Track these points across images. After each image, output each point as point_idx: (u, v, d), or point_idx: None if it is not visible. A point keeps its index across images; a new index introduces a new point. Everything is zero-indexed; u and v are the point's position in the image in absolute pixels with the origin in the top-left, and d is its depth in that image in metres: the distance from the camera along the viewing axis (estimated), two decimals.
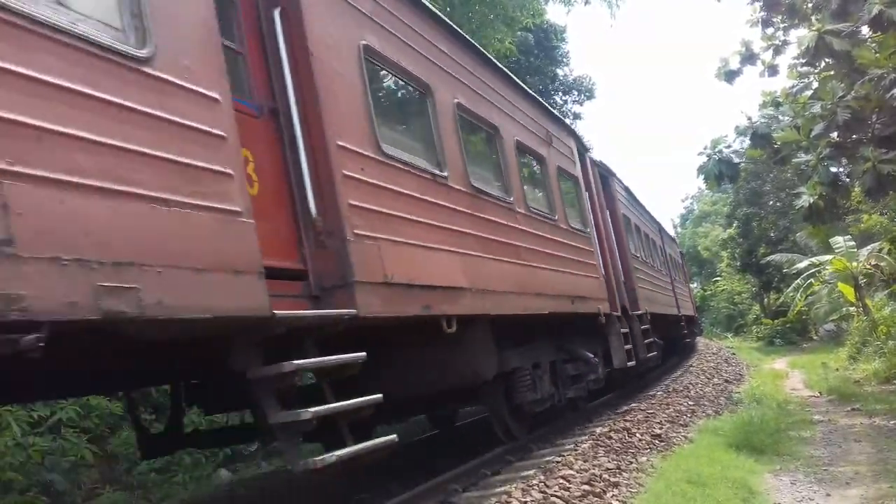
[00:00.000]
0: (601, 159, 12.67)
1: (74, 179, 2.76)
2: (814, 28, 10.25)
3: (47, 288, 2.56)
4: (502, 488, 6.07)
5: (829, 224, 17.71)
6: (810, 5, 11.92)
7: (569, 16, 35.97)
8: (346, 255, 4.34)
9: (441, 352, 5.98)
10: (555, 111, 10.18)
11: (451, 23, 6.82)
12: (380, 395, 4.24)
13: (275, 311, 3.60)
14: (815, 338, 31.74)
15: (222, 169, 3.52)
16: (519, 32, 19.02)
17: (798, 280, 24.30)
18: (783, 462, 7.16)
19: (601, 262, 10.19)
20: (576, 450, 7.36)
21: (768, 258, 30.38)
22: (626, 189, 14.60)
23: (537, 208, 8.16)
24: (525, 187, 7.93)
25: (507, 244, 6.93)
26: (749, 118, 14.82)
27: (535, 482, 5.98)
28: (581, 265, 9.12)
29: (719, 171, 13.46)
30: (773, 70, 13.09)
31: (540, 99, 9.55)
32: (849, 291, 20.00)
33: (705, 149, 13.83)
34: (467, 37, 7.27)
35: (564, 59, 31.00)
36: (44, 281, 2.55)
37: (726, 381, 15.13)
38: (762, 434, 7.94)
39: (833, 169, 11.33)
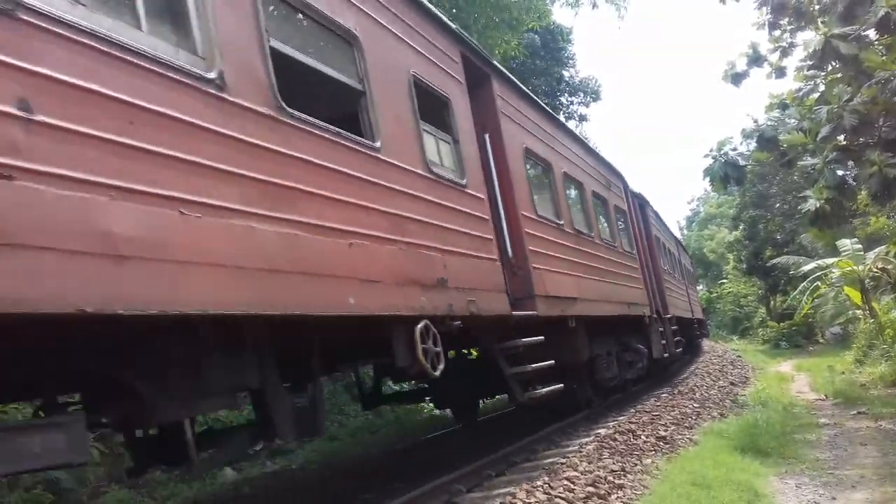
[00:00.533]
0: (640, 191, 15.62)
1: (463, 250, 5.94)
2: (820, 31, 10.22)
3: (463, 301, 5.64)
4: (506, 489, 6.09)
5: (836, 227, 17.66)
6: (817, 8, 11.89)
7: (575, 18, 35.74)
8: (529, 279, 7.24)
9: (567, 340, 8.50)
10: (610, 163, 12.98)
11: (559, 117, 10.71)
12: (552, 361, 7.27)
13: (513, 312, 6.52)
14: (821, 341, 31.66)
15: (488, 236, 6.59)
16: (525, 34, 19.01)
17: (804, 283, 24.23)
18: (789, 465, 7.14)
19: (643, 275, 12.94)
20: (580, 451, 7.37)
21: (774, 261, 30.30)
22: (656, 213, 17.86)
23: (606, 238, 11.00)
24: (598, 224, 10.81)
25: (593, 266, 9.75)
26: (755, 121, 14.83)
27: (539, 483, 5.98)
28: (632, 279, 11.91)
29: (725, 174, 13.41)
30: (780, 72, 13.06)
31: (601, 155, 12.73)
32: (855, 294, 19.93)
33: (711, 151, 13.78)
34: (565, 123, 11.15)
35: (570, 61, 30.98)
36: (461, 297, 5.62)
37: (732, 383, 15.11)
38: (767, 437, 7.93)
39: (839, 172, 11.30)
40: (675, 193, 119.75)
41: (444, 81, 6.43)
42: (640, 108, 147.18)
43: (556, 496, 5.67)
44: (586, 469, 6.53)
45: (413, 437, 11.15)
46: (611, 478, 6.37)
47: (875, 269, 19.69)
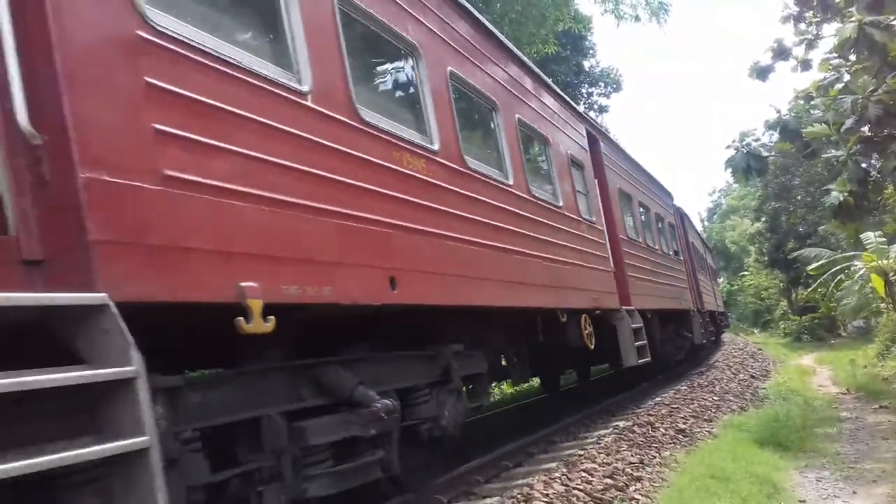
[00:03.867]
0: (681, 205, 19.10)
1: (595, 266, 8.63)
2: (854, 18, 10.07)
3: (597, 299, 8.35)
4: (524, 480, 6.11)
5: (859, 221, 17.43)
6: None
7: (617, 27, 35.14)
8: (626, 285, 9.79)
9: (648, 326, 10.36)
10: (664, 186, 16.52)
11: (636, 159, 13.54)
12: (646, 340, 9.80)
13: (622, 307, 9.11)
14: (843, 334, 31.28)
15: (606, 256, 9.24)
16: (542, 31, 18.97)
17: (825, 276, 23.92)
18: (809, 459, 7.10)
19: (687, 277, 16.09)
20: (598, 443, 7.38)
21: (796, 253, 29.97)
22: (690, 221, 21.37)
23: (665, 249, 14.20)
24: (661, 238, 14.00)
25: (664, 273, 13.11)
26: (778, 111, 14.65)
27: (557, 475, 6.00)
28: (680, 280, 15.00)
29: (747, 165, 13.28)
30: (805, 65, 12.90)
31: (658, 180, 15.63)
32: (880, 285, 19.65)
33: (733, 142, 13.67)
34: (639, 162, 13.70)
35: (591, 51, 30.78)
36: (596, 297, 8.34)
37: (752, 376, 15.01)
38: (788, 430, 7.88)
39: (863, 165, 11.15)
40: (695, 185, 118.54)
41: (581, 152, 9.33)
42: (661, 99, 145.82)
43: (573, 488, 5.69)
44: (604, 461, 6.53)
45: None
46: (629, 470, 6.37)
47: None
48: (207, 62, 3.18)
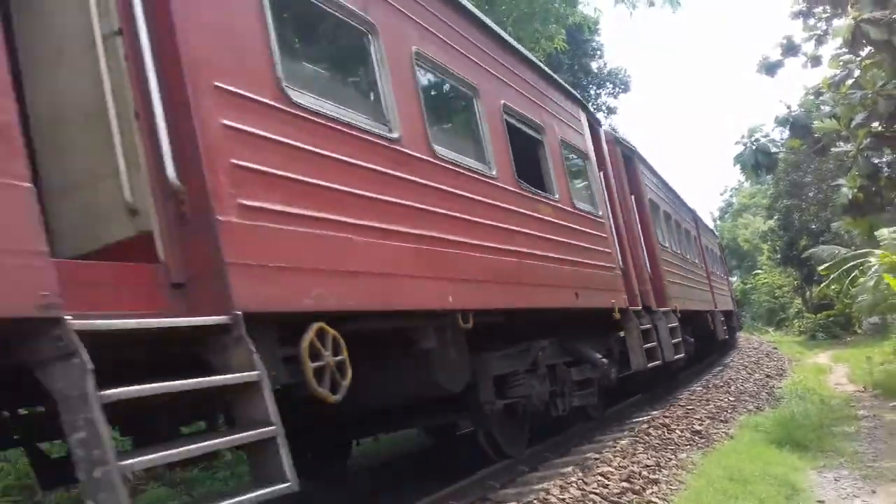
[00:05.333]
0: (694, 207, 20.30)
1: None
2: (850, 16, 10.03)
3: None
4: (540, 485, 6.08)
5: (870, 216, 17.32)
6: None
7: (630, 16, 34.46)
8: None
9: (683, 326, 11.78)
10: (680, 195, 17.50)
11: (663, 175, 14.89)
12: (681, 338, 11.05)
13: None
14: (859, 331, 30.97)
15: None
16: (552, 25, 18.87)
17: (837, 273, 23.72)
18: (827, 458, 7.03)
19: (706, 280, 18.06)
20: (614, 446, 7.33)
21: (809, 251, 29.75)
22: (706, 225, 22.66)
23: (692, 257, 16.24)
24: (684, 245, 15.63)
25: (690, 277, 14.71)
26: (788, 107, 14.61)
27: (573, 479, 5.97)
28: (702, 282, 16.77)
29: (756, 161, 13.33)
30: (815, 61, 12.90)
31: (677, 192, 16.94)
32: (894, 282, 19.45)
33: (742, 138, 13.66)
34: (666, 180, 15.06)
35: (598, 52, 30.75)
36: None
37: (767, 375, 14.90)
38: (805, 430, 7.80)
39: (874, 160, 11.09)
40: (711, 184, 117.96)
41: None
42: (671, 99, 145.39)
43: (590, 492, 5.66)
44: (620, 464, 6.49)
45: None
46: (645, 473, 6.33)
47: None
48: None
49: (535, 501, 5.35)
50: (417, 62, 5.32)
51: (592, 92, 31.46)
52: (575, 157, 8.76)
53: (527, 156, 7.23)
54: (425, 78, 5.70)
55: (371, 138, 4.52)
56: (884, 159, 11.73)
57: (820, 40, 12.88)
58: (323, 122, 4.08)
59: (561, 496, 5.48)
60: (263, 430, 2.96)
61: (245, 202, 3.38)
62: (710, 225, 32.00)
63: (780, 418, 8.48)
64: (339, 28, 4.72)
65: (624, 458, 6.75)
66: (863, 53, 11.38)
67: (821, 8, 12.91)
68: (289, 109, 3.81)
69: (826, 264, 24.46)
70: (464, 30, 6.23)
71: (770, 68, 13.68)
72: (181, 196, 3.15)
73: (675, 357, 10.35)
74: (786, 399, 10.90)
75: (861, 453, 7.16)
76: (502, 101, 6.72)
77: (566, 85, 9.15)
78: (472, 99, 6.26)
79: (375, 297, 4.23)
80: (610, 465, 6.40)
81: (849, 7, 11.20)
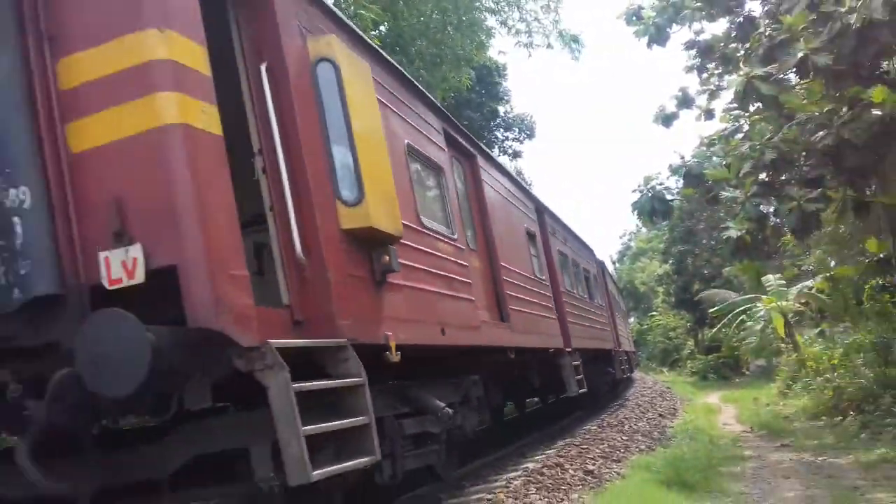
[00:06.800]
0: (599, 256, 21.99)
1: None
2: (742, 73, 10.53)
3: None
4: None
5: (759, 261, 18.18)
6: (741, 53, 12.30)
7: (528, 58, 35.63)
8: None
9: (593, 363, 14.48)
10: (587, 243, 18.88)
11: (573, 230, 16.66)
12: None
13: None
14: (746, 373, 32.42)
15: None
16: (467, 68, 19.16)
17: (727, 317, 24.81)
18: (713, 499, 7.09)
19: (609, 321, 19.47)
20: (508, 486, 7.19)
21: (700, 295, 31.08)
22: (608, 272, 24.94)
23: (595, 300, 17.49)
24: (588, 289, 16.94)
25: (593, 319, 16.15)
26: (682, 157, 15.19)
27: None
28: (604, 324, 18.21)
29: (652, 207, 13.68)
30: (709, 114, 13.44)
31: (584, 240, 18.35)
32: (780, 326, 20.48)
33: (639, 186, 14.09)
34: (574, 231, 16.61)
35: (505, 97, 31.43)
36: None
37: (660, 415, 15.22)
38: (693, 470, 7.89)
39: (762, 208, 11.61)
40: (609, 228, 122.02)
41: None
42: (572, 144, 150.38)
43: None
44: None
45: None
46: None
47: (799, 304, 20.30)
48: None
49: None
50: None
51: (499, 134, 32.12)
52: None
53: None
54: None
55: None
56: (770, 208, 12.28)
57: (713, 95, 13.49)
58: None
59: None
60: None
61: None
62: (610, 268, 32.94)
63: (670, 458, 8.56)
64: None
65: (516, 499, 6.61)
66: (752, 108, 11.96)
67: (713, 64, 13.56)
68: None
69: (716, 307, 25.67)
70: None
71: (666, 119, 14.23)
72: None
73: (579, 391, 11.48)
74: (677, 438, 11.09)
75: (746, 493, 7.27)
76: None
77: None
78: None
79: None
80: None
81: (740, 64, 11.78)
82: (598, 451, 9.58)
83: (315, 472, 3.71)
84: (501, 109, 31.24)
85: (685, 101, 13.79)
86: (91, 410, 3.78)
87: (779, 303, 20.45)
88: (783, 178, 11.25)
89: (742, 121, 12.85)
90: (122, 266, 3.58)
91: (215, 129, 3.89)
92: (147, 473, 4.35)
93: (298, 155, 4.62)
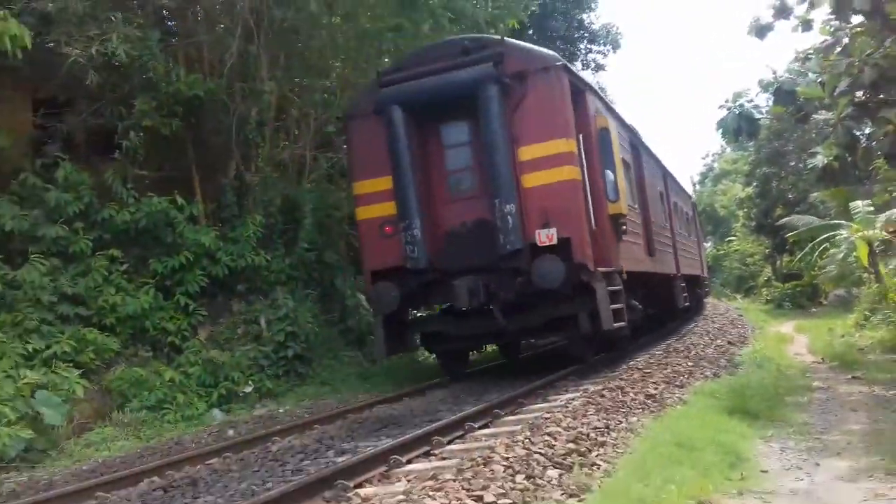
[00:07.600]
0: (672, 170, 21.00)
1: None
2: None
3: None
4: (486, 442, 6.01)
5: (847, 186, 17.27)
6: None
7: None
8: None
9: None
10: (658, 159, 18.19)
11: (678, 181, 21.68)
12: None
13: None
14: (824, 303, 31.34)
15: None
16: None
17: (811, 244, 23.81)
18: (776, 428, 7.02)
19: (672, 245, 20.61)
20: (567, 406, 7.28)
21: (783, 220, 29.82)
22: (677, 184, 23.99)
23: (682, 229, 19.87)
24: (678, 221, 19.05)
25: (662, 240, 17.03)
26: (774, 72, 14.35)
27: (520, 438, 5.90)
28: (675, 248, 18.67)
29: (738, 126, 13.15)
30: (807, 25, 12.49)
31: (656, 157, 17.98)
32: (864, 255, 19.54)
33: (726, 102, 13.47)
34: (678, 181, 21.52)
35: (591, 5, 30.18)
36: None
37: (729, 342, 14.96)
38: (758, 399, 7.78)
39: (854, 131, 10.91)
40: (692, 146, 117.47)
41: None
42: (660, 59, 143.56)
43: (535, 452, 5.58)
44: (570, 425, 6.43)
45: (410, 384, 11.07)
46: (594, 435, 6.28)
47: (886, 233, 19.25)
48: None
49: (478, 458, 5.27)
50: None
51: (583, 46, 30.99)
52: None
53: None
54: None
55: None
56: (864, 130, 11.55)
57: (813, 3, 12.47)
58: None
59: (505, 455, 5.40)
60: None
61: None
62: (689, 189, 31.96)
63: (734, 386, 8.46)
64: None
65: (574, 418, 6.69)
66: (852, 20, 11.09)
67: None
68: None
69: (795, 232, 24.64)
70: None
71: (761, 31, 13.30)
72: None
73: (685, 304, 15.27)
74: (744, 367, 10.93)
75: (810, 425, 7.16)
76: None
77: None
78: None
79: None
80: (559, 426, 6.34)
81: None
82: (661, 376, 9.53)
83: (613, 325, 9.23)
84: (586, 18, 30.09)
85: (782, 11, 12.82)
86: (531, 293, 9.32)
87: (864, 230, 19.44)
88: (880, 97, 10.50)
89: (842, 33, 11.94)
90: (546, 237, 9.07)
91: (578, 177, 9.38)
92: (530, 323, 10.00)
93: (594, 178, 9.71)
